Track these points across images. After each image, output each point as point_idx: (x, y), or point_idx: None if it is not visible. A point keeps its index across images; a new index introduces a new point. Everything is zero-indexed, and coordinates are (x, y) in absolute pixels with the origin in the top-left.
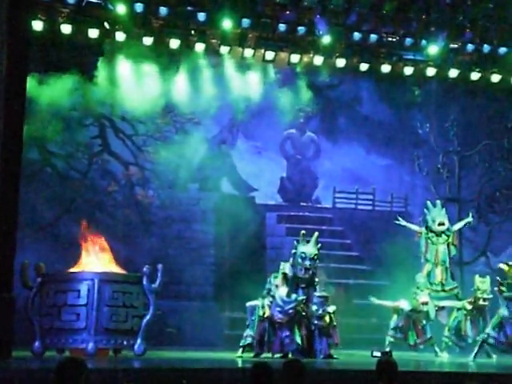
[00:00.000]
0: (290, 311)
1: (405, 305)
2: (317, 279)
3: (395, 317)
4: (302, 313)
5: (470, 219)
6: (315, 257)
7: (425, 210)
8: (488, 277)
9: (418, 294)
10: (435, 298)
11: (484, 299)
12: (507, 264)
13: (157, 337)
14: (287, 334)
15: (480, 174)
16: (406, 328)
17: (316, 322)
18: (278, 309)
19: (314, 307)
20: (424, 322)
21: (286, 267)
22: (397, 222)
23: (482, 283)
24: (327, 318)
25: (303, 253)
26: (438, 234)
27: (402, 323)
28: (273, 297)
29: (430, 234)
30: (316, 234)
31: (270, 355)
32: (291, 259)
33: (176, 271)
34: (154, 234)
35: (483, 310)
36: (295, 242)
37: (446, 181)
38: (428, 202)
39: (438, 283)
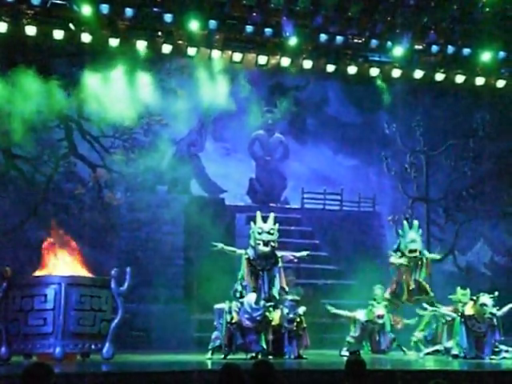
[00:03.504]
0: (258, 318)
1: (361, 316)
2: (280, 254)
3: (352, 327)
4: (269, 318)
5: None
6: (271, 231)
7: (400, 231)
8: (468, 289)
9: (375, 307)
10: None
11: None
12: (472, 299)
13: (126, 340)
14: (254, 337)
15: (447, 174)
16: (361, 338)
17: (287, 325)
18: (247, 315)
19: (286, 310)
20: (379, 333)
21: (247, 252)
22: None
23: (464, 296)
24: (297, 321)
25: (260, 228)
26: (410, 259)
27: (357, 333)
28: (241, 303)
29: (403, 259)
30: (272, 214)
31: (239, 356)
32: (250, 241)
33: (145, 274)
34: (123, 236)
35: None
36: (252, 224)
37: (414, 180)
38: (405, 223)
39: (403, 300)
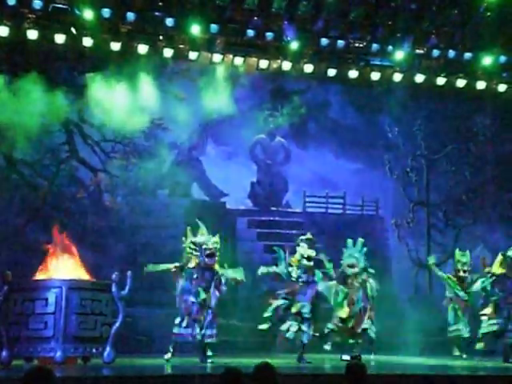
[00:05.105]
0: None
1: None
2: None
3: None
4: None
5: None
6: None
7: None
8: (468, 251)
9: (345, 259)
10: None
11: (464, 271)
12: (503, 255)
13: (126, 344)
14: None
15: (447, 178)
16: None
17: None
18: None
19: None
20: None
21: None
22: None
23: (462, 256)
24: None
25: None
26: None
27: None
28: None
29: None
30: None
31: (239, 360)
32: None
33: (146, 278)
34: (124, 240)
35: (464, 281)
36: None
37: (415, 184)
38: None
39: None
